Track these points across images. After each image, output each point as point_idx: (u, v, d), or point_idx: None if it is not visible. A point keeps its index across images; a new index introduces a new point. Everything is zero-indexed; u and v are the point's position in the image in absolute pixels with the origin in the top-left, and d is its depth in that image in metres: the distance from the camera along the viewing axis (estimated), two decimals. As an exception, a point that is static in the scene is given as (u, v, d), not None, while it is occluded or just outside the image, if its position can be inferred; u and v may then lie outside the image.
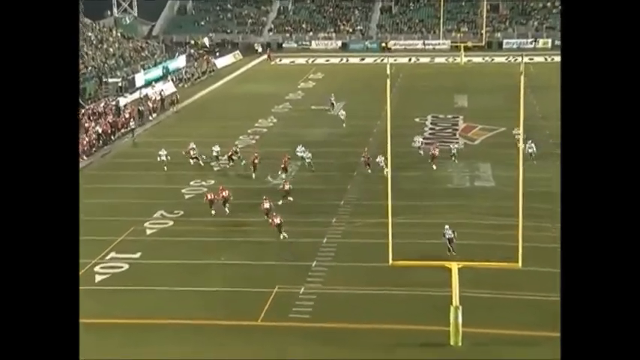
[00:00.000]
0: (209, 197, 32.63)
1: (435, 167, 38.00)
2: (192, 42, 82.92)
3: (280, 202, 32.93)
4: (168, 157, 38.78)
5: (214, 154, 39.17)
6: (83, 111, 50.68)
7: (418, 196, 34.12)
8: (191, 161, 39.48)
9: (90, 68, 59.53)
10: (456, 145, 40.33)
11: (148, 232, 31.08)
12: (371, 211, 31.92)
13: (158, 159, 38.86)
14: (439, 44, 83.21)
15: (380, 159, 37.16)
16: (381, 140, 39.48)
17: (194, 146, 40.08)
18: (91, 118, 49.54)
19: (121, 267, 27.58)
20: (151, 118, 53.09)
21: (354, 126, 48.33)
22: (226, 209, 32.40)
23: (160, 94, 57.53)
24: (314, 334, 22.26)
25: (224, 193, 32.70)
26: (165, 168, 38.47)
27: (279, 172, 35.77)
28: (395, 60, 73.12)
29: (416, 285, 24.91)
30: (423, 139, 43.21)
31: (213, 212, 32.36)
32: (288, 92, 61.29)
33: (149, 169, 38.65)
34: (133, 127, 47.45)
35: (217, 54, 78.55)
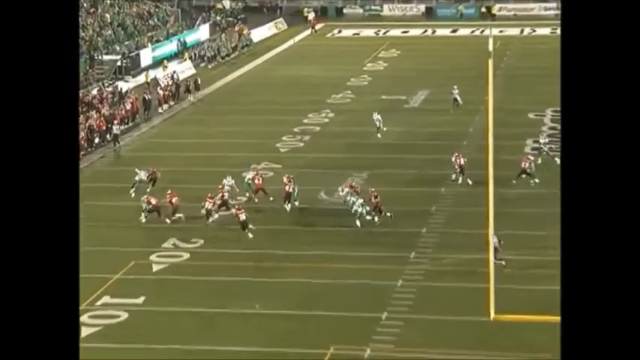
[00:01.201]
0: (152, 202, 34.79)
1: (460, 181, 38.11)
2: (220, 6, 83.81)
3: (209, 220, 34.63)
4: (147, 210, 35.06)
5: (247, 180, 37.47)
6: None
7: (531, 223, 33.75)
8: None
9: (79, 42, 60.53)
10: (532, 159, 38.97)
11: (155, 267, 31.39)
12: (464, 242, 31.71)
13: (141, 215, 35.27)
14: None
15: (353, 201, 34.21)
16: (479, 144, 39.17)
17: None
18: (80, 109, 50.27)
19: (118, 316, 27.81)
20: (160, 110, 53.71)
21: (442, 124, 48.15)
22: (181, 217, 34.90)
23: (173, 77, 58.24)
24: (383, 415, 22.23)
25: (173, 200, 35.10)
26: (144, 220, 35.18)
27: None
28: (501, 32, 72.68)
29: (528, 349, 24.55)
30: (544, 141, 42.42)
31: (167, 221, 34.59)
32: (349, 77, 61.46)
33: (157, 180, 38.88)
34: (116, 131, 46.64)
35: (238, 21, 78.79)
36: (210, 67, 66.74)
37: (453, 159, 39.13)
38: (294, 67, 66.05)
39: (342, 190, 35.83)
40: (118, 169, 43.45)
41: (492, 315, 20.93)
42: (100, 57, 61.60)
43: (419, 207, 36.26)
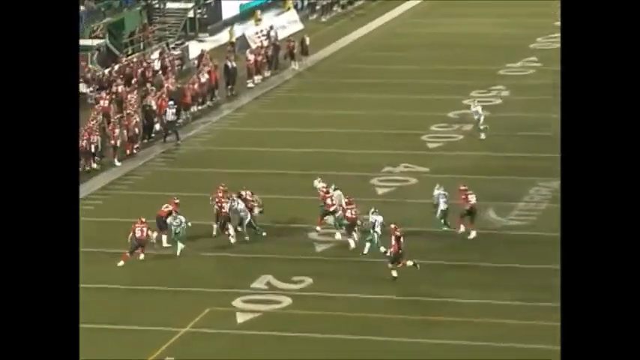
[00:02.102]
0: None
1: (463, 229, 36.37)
2: None
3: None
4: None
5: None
6: (117, 67, 52.51)
7: None
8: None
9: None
10: None
11: (241, 318, 31.44)
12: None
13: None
14: None
15: (375, 219, 34.52)
16: None
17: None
18: (134, 81, 50.48)
19: (187, 387, 28.27)
20: (250, 84, 54.17)
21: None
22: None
23: (270, 35, 58.80)
24: None
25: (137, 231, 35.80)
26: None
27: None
28: None
29: None
30: None
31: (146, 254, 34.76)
32: (534, 36, 61.93)
33: (244, 188, 38.94)
34: (171, 117, 46.34)
35: None
36: (324, 20, 67.66)
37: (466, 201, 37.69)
38: (449, 21, 66.54)
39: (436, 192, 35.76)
40: (185, 170, 43.81)
41: None
42: (162, 6, 62.17)
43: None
